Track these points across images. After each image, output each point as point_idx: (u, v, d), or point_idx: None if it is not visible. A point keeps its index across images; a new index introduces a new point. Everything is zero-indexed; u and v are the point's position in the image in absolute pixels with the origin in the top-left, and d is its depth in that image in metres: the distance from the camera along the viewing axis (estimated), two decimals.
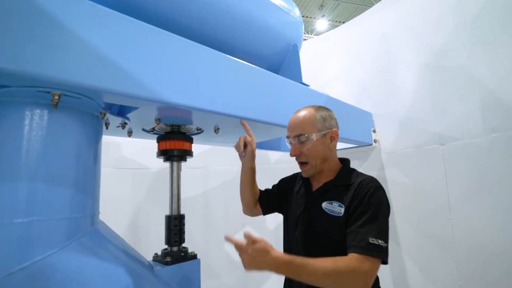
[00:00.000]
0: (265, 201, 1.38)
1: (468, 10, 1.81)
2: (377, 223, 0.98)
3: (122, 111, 1.24)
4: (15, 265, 0.78)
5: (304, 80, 1.80)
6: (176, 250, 1.35)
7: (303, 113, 1.15)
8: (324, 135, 1.13)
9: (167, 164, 1.48)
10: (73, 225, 0.93)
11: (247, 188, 1.35)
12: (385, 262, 0.94)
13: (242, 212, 3.07)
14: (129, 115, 1.20)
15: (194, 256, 1.37)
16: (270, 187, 1.44)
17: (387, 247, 0.95)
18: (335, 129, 1.16)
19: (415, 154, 2.03)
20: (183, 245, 1.40)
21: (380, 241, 0.94)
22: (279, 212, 1.37)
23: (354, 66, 2.61)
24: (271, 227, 2.81)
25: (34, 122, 0.87)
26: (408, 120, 2.11)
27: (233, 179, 2.96)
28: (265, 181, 2.81)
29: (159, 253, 1.36)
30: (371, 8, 2.58)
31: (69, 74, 0.76)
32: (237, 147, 1.29)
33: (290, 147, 1.19)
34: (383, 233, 0.97)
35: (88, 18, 0.81)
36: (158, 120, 1.24)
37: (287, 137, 1.19)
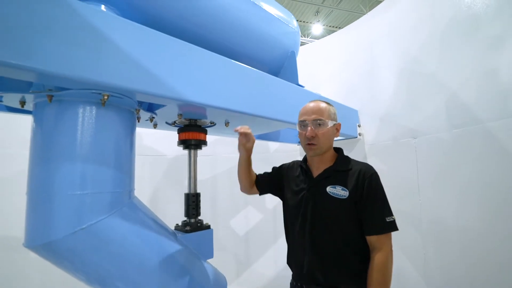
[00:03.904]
0: (262, 184, 1.41)
1: (437, 24, 1.88)
2: (385, 203, 1.09)
3: (151, 107, 1.35)
4: (77, 226, 0.92)
5: (300, 82, 1.87)
6: (193, 221, 1.48)
7: (320, 103, 1.19)
8: (333, 125, 1.18)
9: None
10: (116, 197, 1.05)
11: (244, 174, 1.38)
12: (397, 229, 1.08)
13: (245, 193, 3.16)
14: (157, 111, 1.32)
15: (208, 227, 1.50)
16: (270, 170, 1.45)
17: (395, 218, 1.08)
18: (339, 122, 1.23)
19: (392, 145, 2.13)
20: (199, 217, 1.53)
21: (392, 217, 1.07)
22: (274, 194, 1.40)
23: (343, 69, 2.69)
24: (270, 206, 2.95)
25: (87, 116, 0.99)
26: (387, 116, 2.20)
27: (237, 165, 3.09)
28: (266, 167, 2.94)
29: (179, 224, 1.50)
30: (359, 20, 2.65)
31: (117, 79, 0.88)
32: (243, 138, 1.28)
33: (300, 130, 1.19)
34: (390, 209, 1.09)
35: (131, 36, 0.92)
36: (180, 115, 1.35)
37: (303, 120, 1.18)
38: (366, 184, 1.08)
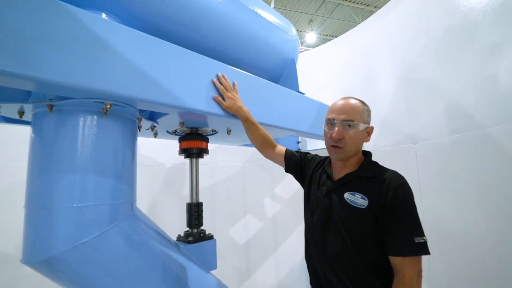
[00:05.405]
0: (288, 164, 1.33)
1: (433, 32, 1.91)
2: (415, 220, 0.93)
3: (152, 116, 1.33)
4: (79, 239, 0.87)
5: (299, 88, 1.87)
6: (196, 232, 1.44)
7: (354, 101, 1.05)
8: (365, 128, 1.04)
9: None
10: (119, 209, 1.01)
11: (249, 136, 1.34)
12: (428, 253, 0.90)
13: (244, 201, 3.12)
14: (158, 120, 1.29)
15: (211, 237, 1.46)
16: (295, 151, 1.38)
17: (426, 240, 0.91)
18: (372, 125, 1.08)
19: (393, 151, 2.13)
20: (201, 227, 1.50)
21: (423, 237, 0.90)
22: (298, 179, 1.33)
23: (342, 76, 2.71)
24: (269, 215, 2.91)
25: (89, 126, 0.96)
26: (387, 122, 2.20)
27: (236, 173, 3.05)
28: (267, 174, 2.92)
29: (181, 234, 1.46)
30: (355, 28, 2.69)
31: (121, 88, 0.86)
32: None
33: (326, 129, 1.07)
34: (421, 228, 0.92)
35: (134, 44, 0.90)
36: (182, 124, 1.33)
37: (331, 119, 1.05)
38: (390, 195, 0.93)
